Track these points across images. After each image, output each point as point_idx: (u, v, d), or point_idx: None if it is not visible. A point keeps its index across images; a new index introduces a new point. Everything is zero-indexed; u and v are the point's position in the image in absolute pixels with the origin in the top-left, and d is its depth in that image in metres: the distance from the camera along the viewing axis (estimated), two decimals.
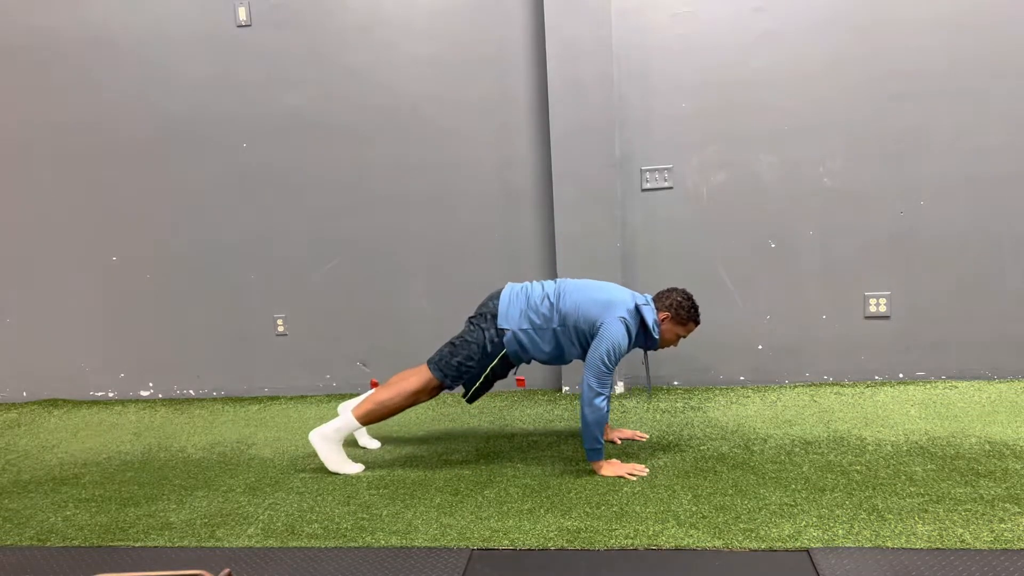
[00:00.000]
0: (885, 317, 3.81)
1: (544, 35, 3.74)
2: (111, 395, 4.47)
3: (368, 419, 3.04)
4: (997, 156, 3.61)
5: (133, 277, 4.33)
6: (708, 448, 3.08)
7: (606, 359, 2.75)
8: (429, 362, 3.03)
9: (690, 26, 3.72)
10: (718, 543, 2.28)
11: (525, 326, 2.90)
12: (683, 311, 2.92)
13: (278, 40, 4.02)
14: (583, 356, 2.93)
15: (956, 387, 3.69)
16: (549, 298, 2.92)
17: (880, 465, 2.80)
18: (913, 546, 2.20)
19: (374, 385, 4.20)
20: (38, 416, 4.20)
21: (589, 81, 3.72)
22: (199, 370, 4.39)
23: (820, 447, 3.02)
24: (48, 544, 2.57)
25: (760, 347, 3.93)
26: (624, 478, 2.79)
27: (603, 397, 2.75)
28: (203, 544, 2.49)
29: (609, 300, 2.86)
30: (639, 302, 2.88)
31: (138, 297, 4.35)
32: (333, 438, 3.05)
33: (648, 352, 3.09)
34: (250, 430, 3.75)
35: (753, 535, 2.32)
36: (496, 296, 3.00)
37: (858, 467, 2.79)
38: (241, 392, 4.38)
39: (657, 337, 2.89)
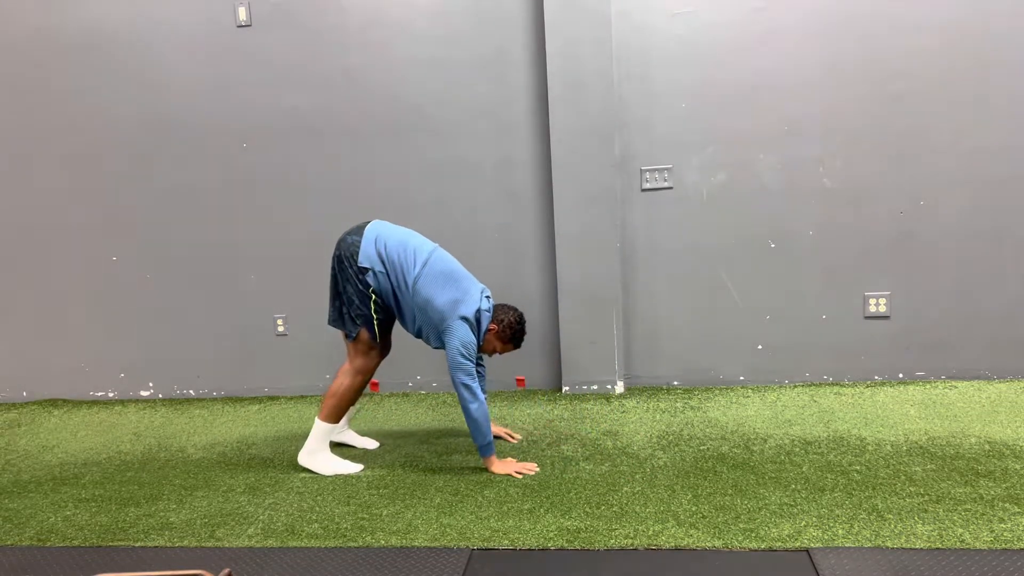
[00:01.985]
0: (885, 317, 3.81)
1: (544, 35, 3.74)
2: (111, 395, 4.47)
3: (334, 414, 3.07)
4: (997, 156, 3.61)
5: (133, 277, 4.33)
6: (708, 448, 3.08)
7: (463, 353, 2.87)
8: (338, 324, 3.04)
9: (690, 26, 3.72)
10: (718, 543, 2.29)
11: (381, 269, 2.94)
12: (508, 331, 3.05)
13: (278, 40, 4.02)
14: (418, 335, 3.04)
15: (956, 387, 3.68)
16: (412, 262, 2.93)
17: (880, 465, 2.80)
18: (913, 546, 2.20)
19: (374, 386, 4.20)
20: (38, 416, 4.20)
21: (589, 81, 3.72)
22: (199, 370, 4.39)
23: (820, 447, 3.02)
24: (48, 544, 2.58)
25: (760, 347, 3.93)
26: (512, 476, 2.89)
27: (480, 388, 2.88)
28: (203, 544, 2.49)
29: (459, 300, 2.92)
30: (483, 307, 2.98)
31: (138, 297, 4.35)
32: (317, 448, 3.09)
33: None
34: (250, 430, 3.75)
35: (753, 535, 2.32)
36: (358, 231, 3.00)
37: (858, 467, 2.79)
38: (241, 392, 4.38)
39: (481, 343, 3.01)
